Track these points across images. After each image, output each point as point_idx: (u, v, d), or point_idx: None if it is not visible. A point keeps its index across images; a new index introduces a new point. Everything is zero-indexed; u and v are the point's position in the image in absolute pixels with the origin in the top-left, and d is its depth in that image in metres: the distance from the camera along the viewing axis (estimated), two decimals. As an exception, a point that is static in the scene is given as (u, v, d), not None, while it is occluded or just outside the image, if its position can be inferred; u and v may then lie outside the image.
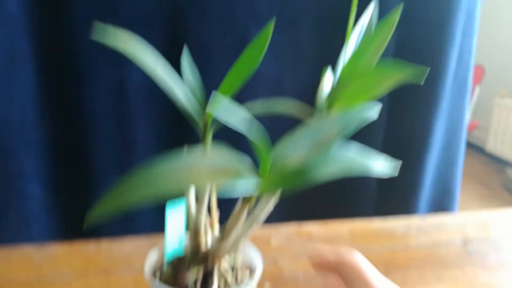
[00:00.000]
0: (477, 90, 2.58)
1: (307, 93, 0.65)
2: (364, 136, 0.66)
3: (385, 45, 0.26)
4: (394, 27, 0.26)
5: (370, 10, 0.32)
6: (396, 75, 0.22)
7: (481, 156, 2.85)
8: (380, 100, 0.64)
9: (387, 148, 0.66)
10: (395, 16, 0.26)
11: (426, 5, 0.61)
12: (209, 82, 0.35)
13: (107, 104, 0.60)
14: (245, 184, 0.21)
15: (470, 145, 3.03)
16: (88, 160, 0.62)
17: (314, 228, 0.54)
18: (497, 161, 2.72)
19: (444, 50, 0.61)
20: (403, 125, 0.66)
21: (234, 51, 0.59)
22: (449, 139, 0.68)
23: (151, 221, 0.65)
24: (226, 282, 0.29)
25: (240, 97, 0.48)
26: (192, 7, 0.57)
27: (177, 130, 0.64)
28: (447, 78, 0.62)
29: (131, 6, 0.56)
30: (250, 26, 0.59)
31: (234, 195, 0.22)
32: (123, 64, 0.59)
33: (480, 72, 2.57)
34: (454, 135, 0.69)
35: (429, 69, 0.60)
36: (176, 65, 0.61)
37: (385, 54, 0.63)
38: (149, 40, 0.59)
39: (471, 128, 2.58)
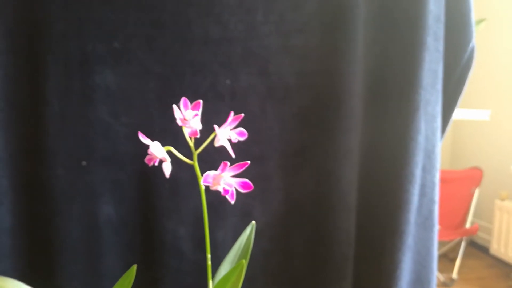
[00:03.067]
0: (477, 192, 2.58)
1: (274, 221, 0.67)
2: (334, 276, 0.67)
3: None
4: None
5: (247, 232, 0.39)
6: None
7: (486, 259, 2.77)
8: (348, 241, 0.66)
9: (355, 283, 0.66)
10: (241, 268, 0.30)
11: (383, 146, 0.64)
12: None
13: (79, 235, 0.63)
14: None
15: (476, 246, 2.96)
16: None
17: None
18: (502, 265, 2.64)
19: (403, 187, 0.63)
20: (370, 259, 0.66)
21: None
22: (419, 271, 0.68)
23: None
24: None
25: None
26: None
27: (145, 257, 0.65)
28: (409, 214, 0.64)
29: (104, 147, 0.61)
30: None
31: None
32: (96, 198, 0.62)
33: (478, 174, 2.59)
34: (425, 268, 0.69)
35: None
36: (145, 203, 0.64)
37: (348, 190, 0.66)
38: (122, 178, 0.63)
39: (473, 232, 2.55)
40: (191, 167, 0.49)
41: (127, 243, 0.64)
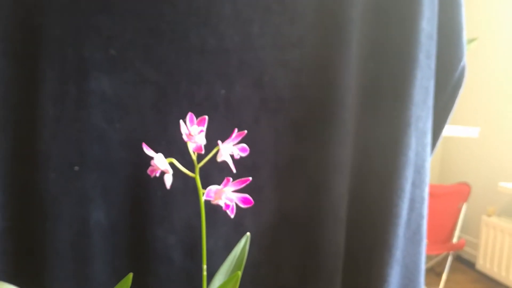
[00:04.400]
0: (464, 207, 2.61)
1: (265, 231, 0.67)
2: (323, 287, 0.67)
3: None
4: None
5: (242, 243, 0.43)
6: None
7: (472, 274, 2.79)
8: (338, 253, 0.67)
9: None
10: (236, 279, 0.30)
11: (374, 160, 0.65)
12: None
13: (68, 240, 0.62)
14: None
15: (463, 261, 2.98)
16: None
17: None
18: (487, 280, 2.66)
19: (393, 201, 0.64)
20: (359, 272, 0.67)
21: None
22: (406, 285, 0.69)
23: None
24: None
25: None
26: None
27: (134, 264, 0.65)
28: (398, 228, 0.65)
29: (97, 153, 0.61)
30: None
31: None
32: (86, 203, 0.62)
33: (466, 190, 2.61)
34: (412, 282, 0.69)
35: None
36: (136, 209, 0.64)
37: (339, 202, 0.66)
38: (114, 183, 0.63)
39: (460, 247, 2.57)
40: (184, 176, 0.49)
41: (116, 249, 0.64)
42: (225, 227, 0.67)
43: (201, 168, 0.48)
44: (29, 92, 0.60)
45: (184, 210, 0.65)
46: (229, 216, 0.67)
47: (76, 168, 0.61)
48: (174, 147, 0.49)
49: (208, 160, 0.48)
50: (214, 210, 0.66)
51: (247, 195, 0.47)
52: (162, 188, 0.63)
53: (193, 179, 0.63)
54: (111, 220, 0.64)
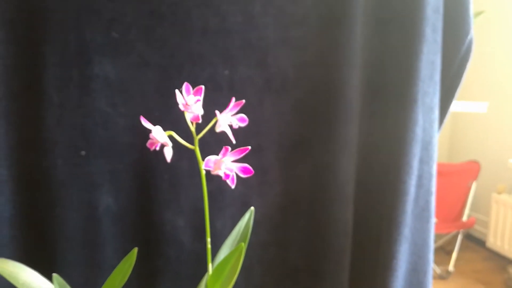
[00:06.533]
0: (474, 185, 2.59)
1: (272, 212, 0.67)
2: (331, 267, 0.67)
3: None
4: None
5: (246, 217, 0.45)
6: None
7: (482, 252, 2.79)
8: (346, 232, 0.67)
9: (353, 274, 0.67)
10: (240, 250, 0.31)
11: (380, 138, 0.65)
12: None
13: (78, 225, 0.63)
14: None
15: (473, 239, 2.98)
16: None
17: None
18: (498, 258, 2.66)
19: (401, 178, 0.63)
20: (367, 250, 0.67)
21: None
22: (415, 262, 0.69)
23: None
24: None
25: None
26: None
27: (144, 248, 0.65)
28: (406, 205, 0.64)
29: (103, 138, 0.61)
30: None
31: None
32: (94, 189, 0.62)
33: (476, 167, 2.59)
34: (420, 258, 0.69)
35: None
36: (143, 193, 0.64)
37: (346, 181, 0.66)
38: (121, 168, 0.64)
39: (470, 225, 2.56)
40: (190, 157, 0.49)
41: (125, 233, 0.65)
42: (232, 209, 0.67)
43: (204, 149, 0.48)
44: (32, 78, 0.60)
45: (192, 193, 0.65)
46: (236, 198, 0.67)
47: (83, 152, 0.61)
48: (179, 130, 0.49)
49: (215, 141, 0.48)
50: (221, 192, 0.66)
51: (246, 165, 0.47)
52: (169, 171, 0.63)
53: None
54: (120, 205, 0.64)
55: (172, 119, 0.62)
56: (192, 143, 0.48)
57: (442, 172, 2.43)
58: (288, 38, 0.64)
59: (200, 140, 0.48)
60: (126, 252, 0.65)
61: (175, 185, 0.64)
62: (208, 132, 0.47)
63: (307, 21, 0.64)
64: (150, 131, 0.45)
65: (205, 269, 0.53)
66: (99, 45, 0.60)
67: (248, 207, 0.67)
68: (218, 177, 0.47)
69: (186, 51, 0.62)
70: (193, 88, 0.46)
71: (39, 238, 0.63)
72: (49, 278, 0.64)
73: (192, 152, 0.48)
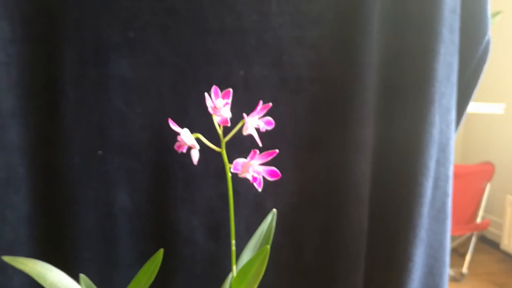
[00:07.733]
0: (488, 187, 2.56)
1: (286, 213, 0.67)
2: (346, 268, 0.67)
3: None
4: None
5: (268, 219, 0.44)
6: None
7: (497, 254, 2.76)
8: (361, 233, 0.66)
9: (368, 276, 0.66)
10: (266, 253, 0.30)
11: (397, 139, 0.64)
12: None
13: (94, 224, 0.63)
14: None
15: (487, 241, 2.94)
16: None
17: None
18: (512, 260, 2.63)
19: (417, 180, 0.63)
20: (383, 252, 0.66)
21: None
22: (431, 265, 0.68)
23: None
24: None
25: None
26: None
27: (159, 246, 0.66)
28: (423, 207, 0.64)
29: (119, 136, 0.62)
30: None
31: None
32: (111, 187, 0.63)
33: (490, 169, 2.56)
34: (437, 261, 0.68)
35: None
36: (159, 192, 0.64)
37: (361, 182, 0.65)
38: (137, 167, 0.64)
39: (484, 227, 2.53)
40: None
41: (141, 232, 0.65)
42: (246, 210, 0.67)
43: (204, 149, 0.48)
44: (49, 77, 0.60)
45: (206, 192, 0.65)
46: (250, 199, 0.67)
47: (100, 152, 0.62)
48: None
49: (230, 144, 0.48)
50: (235, 193, 0.66)
51: (274, 168, 0.47)
52: (183, 171, 0.63)
53: (214, 161, 0.63)
54: (136, 203, 0.64)
55: (188, 118, 0.63)
56: (218, 145, 0.48)
57: (456, 173, 2.40)
58: (304, 37, 0.63)
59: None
60: (141, 250, 0.65)
61: (190, 185, 0.65)
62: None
63: (322, 20, 0.63)
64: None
65: (220, 269, 0.53)
66: (115, 44, 0.60)
67: (262, 208, 0.67)
68: (232, 178, 0.47)
69: (202, 50, 0.62)
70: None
71: (55, 235, 0.64)
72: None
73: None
